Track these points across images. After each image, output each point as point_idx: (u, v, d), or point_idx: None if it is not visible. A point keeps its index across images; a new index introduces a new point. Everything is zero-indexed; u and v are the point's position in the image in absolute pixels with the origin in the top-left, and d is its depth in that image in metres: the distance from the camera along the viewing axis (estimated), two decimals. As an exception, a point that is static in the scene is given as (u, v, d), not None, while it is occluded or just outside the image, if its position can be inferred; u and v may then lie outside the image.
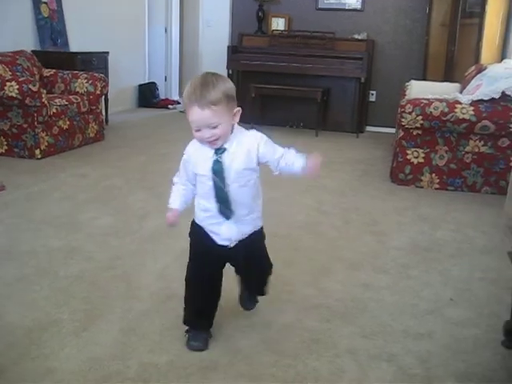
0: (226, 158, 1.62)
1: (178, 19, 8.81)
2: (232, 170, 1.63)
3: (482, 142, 3.73)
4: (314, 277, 2.38)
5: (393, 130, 5.12)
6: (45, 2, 5.42)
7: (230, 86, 1.58)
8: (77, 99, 4.68)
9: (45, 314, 1.99)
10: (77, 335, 1.86)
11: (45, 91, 4.29)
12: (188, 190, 1.77)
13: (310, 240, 2.83)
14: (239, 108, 1.62)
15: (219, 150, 1.62)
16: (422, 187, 3.89)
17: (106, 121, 5.81)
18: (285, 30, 6.39)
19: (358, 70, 5.82)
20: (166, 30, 8.51)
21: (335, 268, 2.48)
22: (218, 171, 1.63)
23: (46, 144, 4.30)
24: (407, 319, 2.05)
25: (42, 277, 2.28)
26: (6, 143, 4.27)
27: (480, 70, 4.24)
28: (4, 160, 4.19)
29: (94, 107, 4.94)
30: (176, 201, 1.77)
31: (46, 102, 4.21)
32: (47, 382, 1.60)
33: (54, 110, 4.34)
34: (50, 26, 5.51)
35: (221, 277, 1.82)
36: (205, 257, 1.78)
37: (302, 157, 1.69)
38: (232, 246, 1.75)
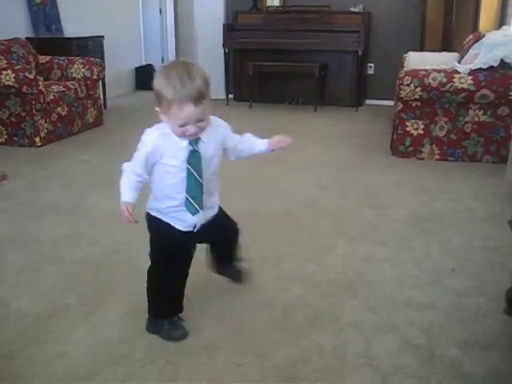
0: (200, 148, 1.59)
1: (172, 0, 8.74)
2: (205, 159, 1.61)
3: (482, 111, 3.72)
4: (315, 253, 2.40)
5: (392, 103, 5.10)
6: (37, -12, 5.38)
7: (205, 74, 1.52)
8: (74, 85, 4.68)
9: (52, 300, 2.02)
10: (84, 319, 1.89)
11: (41, 78, 4.29)
12: (142, 183, 1.69)
13: (309, 216, 2.85)
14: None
15: (194, 141, 1.58)
16: (422, 159, 3.89)
17: (105, 105, 5.80)
18: (280, 6, 6.33)
19: (355, 43, 5.77)
20: (160, 11, 8.45)
21: (336, 243, 2.50)
22: (195, 162, 1.59)
23: (46, 131, 4.31)
24: (409, 290, 2.08)
25: (47, 263, 2.31)
26: (5, 132, 4.28)
27: (478, 38, 4.20)
28: (4, 149, 4.20)
29: (91, 92, 4.93)
30: (130, 193, 1.68)
31: (43, 89, 4.20)
32: (57, 366, 1.64)
33: (52, 97, 4.33)
34: (44, 11, 5.48)
35: (190, 260, 1.79)
36: (172, 247, 1.73)
37: (262, 139, 1.79)
38: (196, 230, 1.73)
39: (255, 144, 1.81)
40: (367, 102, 6.41)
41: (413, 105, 3.80)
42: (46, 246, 2.48)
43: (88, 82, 4.87)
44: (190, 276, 1.82)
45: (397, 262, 2.31)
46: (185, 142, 1.58)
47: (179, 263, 1.75)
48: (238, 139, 1.75)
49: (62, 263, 2.31)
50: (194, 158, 1.59)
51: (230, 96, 6.46)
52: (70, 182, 3.41)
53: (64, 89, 4.52)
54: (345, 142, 4.44)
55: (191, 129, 1.53)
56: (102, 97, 5.54)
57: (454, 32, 5.35)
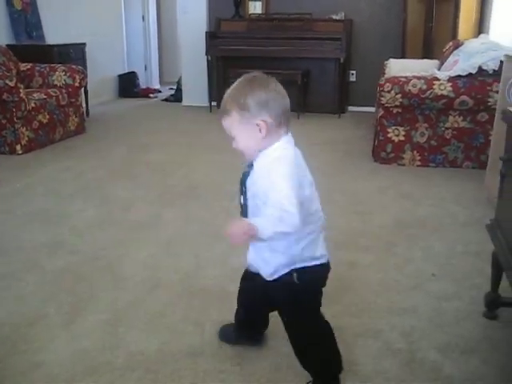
0: (252, 175, 1.42)
1: (154, 7, 8.75)
2: (252, 189, 1.42)
3: (462, 118, 3.76)
4: (298, 259, 2.40)
5: (374, 110, 5.14)
6: (17, -5, 5.34)
7: (246, 92, 1.34)
8: (55, 92, 4.64)
9: (32, 308, 2.00)
10: (64, 328, 1.87)
11: (22, 86, 4.26)
12: None
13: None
14: (263, 122, 1.34)
15: (250, 165, 1.43)
16: (403, 165, 3.92)
17: (87, 113, 5.77)
18: (262, 14, 6.35)
19: (337, 50, 5.81)
20: (143, 18, 8.44)
21: (319, 249, 2.51)
22: (240, 184, 1.46)
23: (27, 139, 4.27)
24: (391, 295, 2.09)
25: (28, 272, 2.28)
26: (-15, 140, 4.23)
27: (457, 45, 4.26)
28: (-15, 157, 4.16)
29: (73, 100, 4.90)
30: None
31: (24, 96, 4.17)
32: (37, 375, 1.62)
33: (33, 105, 4.30)
34: (24, 18, 5.45)
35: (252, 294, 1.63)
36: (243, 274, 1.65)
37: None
38: (254, 271, 1.54)
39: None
40: (350, 108, 6.45)
41: (394, 111, 3.84)
42: (27, 254, 2.45)
43: (70, 90, 4.84)
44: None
45: (380, 268, 2.32)
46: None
47: (241, 294, 1.68)
48: (270, 201, 1.32)
49: (43, 271, 2.29)
50: (241, 180, 1.46)
51: (214, 103, 6.46)
52: (52, 189, 3.38)
53: (45, 96, 4.49)
54: (328, 149, 4.46)
55: (233, 143, 1.43)
56: (84, 104, 5.51)
57: (435, 39, 5.42)
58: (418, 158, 3.90)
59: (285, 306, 1.51)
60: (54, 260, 2.39)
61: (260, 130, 1.35)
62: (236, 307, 1.71)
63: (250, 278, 1.57)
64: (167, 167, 3.91)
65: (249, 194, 1.43)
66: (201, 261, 2.38)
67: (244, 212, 1.46)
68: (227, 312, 1.94)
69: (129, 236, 2.66)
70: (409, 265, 2.35)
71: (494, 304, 1.93)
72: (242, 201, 1.45)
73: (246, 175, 1.44)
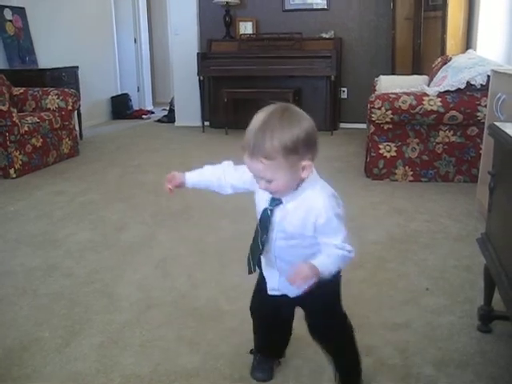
0: (277, 212, 1.34)
1: (146, 29, 8.83)
2: (281, 227, 1.35)
3: (452, 132, 3.80)
4: (292, 276, 2.40)
5: (366, 126, 5.19)
6: (9, 20, 5.40)
7: (294, 134, 1.22)
8: (48, 116, 4.67)
9: (25, 333, 1.99)
10: (59, 352, 1.86)
11: (15, 110, 4.28)
12: (219, 181, 1.53)
13: (287, 240, 2.86)
14: (309, 163, 1.28)
15: (274, 201, 1.34)
16: (396, 180, 3.94)
17: (81, 136, 5.79)
18: (253, 34, 6.42)
19: (328, 68, 5.87)
20: (135, 41, 8.52)
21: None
22: (263, 222, 1.36)
23: (20, 163, 4.28)
24: (385, 311, 2.09)
25: (21, 296, 2.27)
26: (-21, 165, 4.24)
27: (445, 61, 4.32)
28: (-22, 182, 4.16)
29: (66, 123, 4.93)
30: (194, 172, 1.58)
31: (17, 120, 4.19)
32: (30, 401, 1.61)
33: (26, 129, 4.32)
34: (17, 44, 5.50)
35: (286, 320, 1.63)
36: (255, 304, 1.63)
37: (330, 263, 1.33)
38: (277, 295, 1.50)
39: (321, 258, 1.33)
40: (342, 125, 6.50)
41: (385, 127, 3.87)
42: (20, 278, 2.44)
43: (63, 113, 4.87)
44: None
45: (373, 284, 2.33)
46: (266, 195, 1.35)
47: (261, 320, 1.65)
48: (333, 243, 1.34)
49: (36, 295, 2.28)
50: (264, 218, 1.36)
51: (206, 123, 6.50)
52: (45, 213, 3.38)
53: (38, 120, 4.51)
54: (320, 166, 4.40)
55: (260, 183, 1.30)
56: (77, 127, 5.54)
57: (423, 56, 5.48)
58: (410, 173, 3.93)
59: (325, 307, 1.50)
60: (47, 284, 2.39)
61: (303, 171, 1.28)
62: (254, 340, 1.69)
63: (271, 304, 1.52)
64: (160, 188, 3.90)
65: (278, 234, 1.36)
66: (194, 281, 2.38)
67: (262, 251, 1.40)
68: (222, 331, 1.95)
69: (122, 258, 2.66)
70: (402, 280, 2.36)
71: (487, 317, 1.94)
72: (261, 239, 1.37)
73: (269, 212, 1.34)
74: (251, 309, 1.63)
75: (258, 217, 1.39)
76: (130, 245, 2.82)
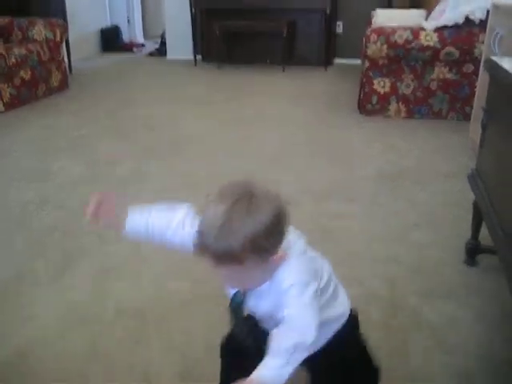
0: (249, 299, 1.11)
1: (136, -43, 8.48)
2: (254, 310, 1.13)
3: (447, 69, 3.75)
4: (283, 210, 2.43)
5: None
6: None
7: (264, 226, 0.96)
8: (36, 47, 4.55)
9: (21, 265, 2.02)
10: (54, 282, 1.90)
11: (1, 40, 4.16)
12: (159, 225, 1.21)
13: (277, 173, 2.87)
14: (282, 253, 1.01)
15: (237, 297, 1.13)
16: (389, 117, 3.93)
17: (70, 69, 5.67)
18: (247, -37, 6.19)
19: (322, 1, 5.71)
20: (124, -30, 8.20)
21: (303, 200, 2.54)
22: (235, 306, 1.13)
23: (9, 96, 4.21)
24: (375, 245, 2.13)
25: (15, 230, 2.30)
26: (-34, 98, 4.16)
27: (444, -6, 4.20)
28: (-33, 115, 4.10)
29: (55, 55, 4.81)
30: (137, 207, 1.23)
31: (3, 52, 4.09)
32: (28, 328, 1.65)
33: (14, 61, 4.22)
34: (1, -30, 5.26)
35: None
36: None
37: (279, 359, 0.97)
38: None
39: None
40: (337, 61, 6.40)
41: (380, 63, 3.82)
42: (14, 213, 2.46)
43: (51, 45, 4.75)
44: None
45: (363, 219, 2.36)
46: None
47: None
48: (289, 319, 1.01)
49: (30, 229, 2.30)
50: (235, 301, 1.13)
51: (199, 57, 6.37)
52: (36, 147, 3.36)
53: (26, 51, 4.40)
54: (313, 102, 4.45)
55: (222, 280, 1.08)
56: (66, 60, 5.41)
57: (422, -11, 5.33)
58: (404, 109, 3.91)
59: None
60: (40, 217, 2.40)
61: (277, 261, 1.02)
62: None
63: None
64: (152, 122, 3.89)
65: (252, 312, 1.14)
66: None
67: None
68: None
69: (115, 191, 2.66)
70: (392, 215, 2.39)
71: (473, 251, 1.99)
72: (233, 322, 1.18)
73: (237, 295, 1.12)
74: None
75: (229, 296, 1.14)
76: (122, 178, 2.83)
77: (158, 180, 2.82)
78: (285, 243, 1.02)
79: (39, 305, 1.77)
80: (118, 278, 1.92)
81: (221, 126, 3.78)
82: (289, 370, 0.96)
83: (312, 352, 1.02)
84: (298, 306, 1.02)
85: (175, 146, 3.33)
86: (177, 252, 2.06)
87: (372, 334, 1.59)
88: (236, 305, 1.12)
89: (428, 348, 1.55)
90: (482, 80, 3.08)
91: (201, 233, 0.99)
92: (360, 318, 1.65)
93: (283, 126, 3.76)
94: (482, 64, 3.17)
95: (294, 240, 1.09)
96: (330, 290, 1.17)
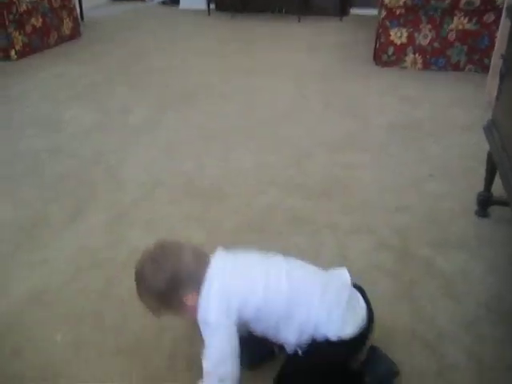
0: None
1: None
2: None
3: (467, 19, 3.64)
4: (296, 160, 2.43)
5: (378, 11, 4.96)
6: None
7: (165, 278, 1.16)
8: (47, -6, 4.47)
9: (35, 210, 2.04)
10: (67, 228, 1.92)
11: (12, -13, 4.09)
12: None
13: (291, 125, 2.85)
14: (190, 295, 1.17)
15: None
16: (405, 68, 3.84)
17: (81, 16, 5.59)
18: None
19: None
20: None
21: (316, 151, 2.53)
22: None
23: (21, 44, 4.17)
24: (387, 195, 2.13)
25: (29, 176, 2.31)
26: (-22, 46, 4.13)
27: None
28: (-21, 63, 4.08)
29: (66, 2, 4.73)
30: None
31: (13, -2, 4.02)
32: (43, 271, 1.68)
33: (25, 7, 4.15)
34: None
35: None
36: None
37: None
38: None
39: None
40: (352, 11, 6.22)
41: (397, 12, 3.71)
42: (27, 160, 2.47)
43: (61, -9, 4.66)
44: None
45: (376, 169, 2.35)
46: None
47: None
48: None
49: (43, 176, 2.32)
50: None
51: (212, 6, 6.23)
52: (48, 95, 3.35)
53: (36, -2, 4.32)
54: (328, 52, 4.36)
55: None
56: (77, 7, 5.32)
57: None
58: (420, 60, 3.82)
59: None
60: (54, 165, 2.41)
61: (188, 302, 1.18)
62: None
63: None
64: (165, 71, 3.85)
65: None
66: (199, 164, 2.41)
67: None
68: (225, 211, 2.00)
69: (128, 140, 2.67)
70: (405, 166, 2.37)
71: (486, 203, 1.97)
72: None
73: None
74: None
75: None
76: (135, 128, 2.82)
77: (170, 130, 2.80)
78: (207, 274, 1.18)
79: (52, 249, 1.80)
80: (130, 224, 1.93)
81: (234, 77, 3.73)
82: None
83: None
84: (206, 346, 1.15)
85: (188, 97, 3.30)
86: (190, 200, 2.09)
87: (382, 281, 1.61)
88: None
89: (438, 296, 1.56)
90: (503, 29, 2.99)
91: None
92: (370, 265, 1.68)
93: (297, 77, 3.70)
94: (503, 12, 3.07)
95: (217, 269, 1.21)
96: (269, 306, 1.18)
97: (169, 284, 1.16)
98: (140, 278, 1.20)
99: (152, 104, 3.18)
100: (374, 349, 1.27)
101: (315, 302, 1.19)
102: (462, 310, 1.50)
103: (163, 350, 1.36)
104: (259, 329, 1.22)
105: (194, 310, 1.18)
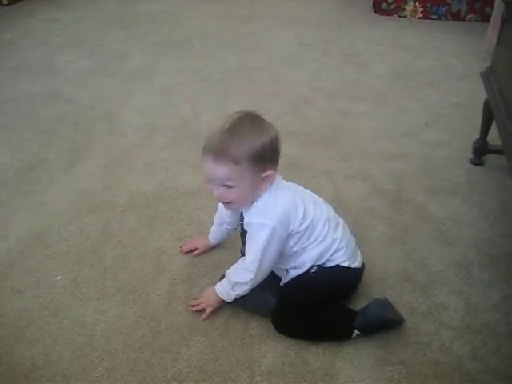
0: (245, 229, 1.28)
1: None
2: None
3: (469, -35, 3.57)
4: (294, 107, 2.42)
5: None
6: None
7: (262, 141, 1.14)
8: None
9: (32, 154, 2.04)
10: (65, 171, 1.93)
11: None
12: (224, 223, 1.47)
13: (290, 72, 2.83)
14: (271, 172, 1.17)
15: (242, 217, 1.28)
16: (405, 17, 3.78)
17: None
18: None
19: None
20: None
21: (315, 98, 2.52)
22: (242, 231, 1.32)
23: (12, -12, 4.06)
24: (383, 142, 2.14)
25: (24, 121, 2.30)
26: (-32, -12, 4.02)
27: None
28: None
29: None
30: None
31: None
32: (41, 214, 1.70)
33: (16, -51, 4.02)
34: None
35: None
36: None
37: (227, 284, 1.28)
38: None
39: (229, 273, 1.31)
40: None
41: (398, -42, 3.63)
42: (22, 105, 2.45)
43: None
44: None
45: (373, 117, 2.35)
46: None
47: None
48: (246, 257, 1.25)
49: (39, 120, 2.31)
50: (242, 227, 1.29)
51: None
52: (42, 40, 3.28)
53: None
54: (328, 0, 4.27)
55: (214, 190, 1.20)
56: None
57: None
58: (420, 9, 3.75)
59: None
60: (49, 109, 2.40)
61: (263, 182, 1.18)
62: None
63: None
64: (161, 17, 3.77)
65: None
66: (197, 108, 2.40)
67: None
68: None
69: (124, 85, 2.65)
70: (402, 114, 2.37)
71: (481, 151, 1.99)
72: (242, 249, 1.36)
73: (241, 227, 1.32)
74: None
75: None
76: (131, 73, 2.79)
77: (167, 75, 2.78)
78: (278, 181, 1.22)
79: (51, 192, 1.81)
80: (129, 168, 1.94)
81: (231, 23, 3.66)
82: (234, 293, 1.27)
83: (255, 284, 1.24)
84: (249, 246, 1.22)
85: (184, 42, 3.25)
86: (187, 144, 2.09)
87: (376, 225, 1.65)
88: (243, 230, 1.28)
89: (430, 240, 1.59)
90: (505, -23, 2.93)
91: (207, 138, 1.15)
92: (366, 210, 1.71)
93: (296, 24, 3.64)
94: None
95: (285, 182, 1.27)
96: (310, 234, 1.25)
97: (263, 148, 1.14)
98: (236, 130, 1.13)
99: (148, 49, 3.13)
100: (378, 299, 1.31)
101: (340, 230, 1.30)
102: (453, 253, 1.54)
103: (161, 291, 1.40)
104: (290, 249, 1.26)
105: (256, 195, 1.20)
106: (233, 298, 1.29)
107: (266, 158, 1.15)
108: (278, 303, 1.29)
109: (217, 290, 1.30)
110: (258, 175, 1.16)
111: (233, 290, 1.27)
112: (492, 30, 3.13)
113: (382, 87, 2.65)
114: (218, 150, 1.12)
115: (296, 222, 1.21)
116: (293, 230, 1.22)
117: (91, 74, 2.78)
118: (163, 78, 2.73)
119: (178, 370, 1.18)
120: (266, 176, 1.17)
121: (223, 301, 1.30)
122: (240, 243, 1.38)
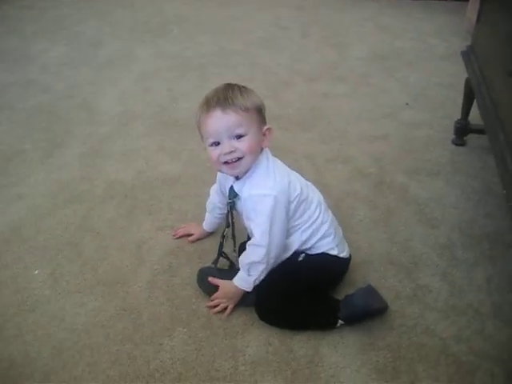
0: (238, 205, 1.29)
1: None
2: (240, 210, 1.30)
3: None
4: (273, 90, 2.39)
5: None
6: None
7: (260, 100, 1.21)
8: None
9: (7, 146, 2.00)
10: (42, 162, 1.89)
11: None
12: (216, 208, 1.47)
13: (269, 55, 2.80)
14: (270, 126, 1.22)
15: (232, 192, 1.27)
16: (384, -3, 3.76)
17: None
18: None
19: None
20: None
21: (294, 80, 2.49)
22: (231, 200, 1.30)
23: (-17, -26, 3.95)
24: (364, 124, 2.12)
25: (0, 111, 2.25)
26: None
27: None
28: None
29: None
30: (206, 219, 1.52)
31: None
32: (19, 206, 1.66)
33: None
34: None
35: None
36: None
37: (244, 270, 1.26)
38: None
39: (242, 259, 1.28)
40: None
41: None
42: (-4, 94, 2.40)
43: None
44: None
45: (353, 98, 2.33)
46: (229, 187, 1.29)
47: None
48: (254, 237, 1.24)
49: (15, 110, 2.26)
50: (231, 194, 1.29)
51: None
52: (15, 28, 3.21)
53: None
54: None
55: (225, 147, 1.16)
56: None
57: None
58: (400, -12, 3.72)
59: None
60: (25, 99, 2.35)
61: (265, 137, 1.22)
62: None
63: None
64: (137, 2, 3.71)
65: (243, 216, 1.30)
66: (174, 94, 2.37)
67: (233, 231, 1.36)
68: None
69: (101, 73, 2.60)
70: (383, 95, 2.36)
71: (462, 131, 1.98)
72: (230, 220, 1.34)
73: (230, 206, 1.31)
74: None
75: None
76: (107, 60, 2.74)
77: (144, 61, 2.73)
78: (270, 157, 1.25)
79: (28, 184, 1.77)
80: (107, 157, 1.91)
81: (210, 7, 3.61)
82: (252, 278, 1.24)
83: (271, 263, 1.24)
84: (255, 220, 1.22)
85: (160, 27, 3.20)
86: (165, 132, 2.06)
87: (359, 208, 1.63)
88: (232, 200, 1.28)
89: (413, 222, 1.58)
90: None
91: (210, 97, 1.18)
92: (348, 192, 1.69)
93: (275, 7, 3.60)
94: None
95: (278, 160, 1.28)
96: (303, 210, 1.26)
97: (261, 102, 1.21)
98: (236, 86, 1.20)
99: (124, 36, 3.08)
100: (361, 288, 1.29)
101: (330, 216, 1.31)
102: (437, 234, 1.53)
103: (142, 282, 1.37)
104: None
105: (257, 153, 1.20)
106: (251, 284, 1.25)
107: (264, 112, 1.22)
108: (262, 290, 1.27)
109: (234, 281, 1.27)
110: (261, 128, 1.20)
111: (249, 274, 1.25)
112: (471, 8, 3.11)
113: (362, 68, 2.62)
114: (226, 102, 1.16)
115: (295, 194, 1.23)
116: (293, 199, 1.23)
117: (67, 62, 2.73)
118: (140, 65, 2.69)
119: (161, 361, 1.16)
120: (268, 130, 1.21)
121: (242, 292, 1.27)
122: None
